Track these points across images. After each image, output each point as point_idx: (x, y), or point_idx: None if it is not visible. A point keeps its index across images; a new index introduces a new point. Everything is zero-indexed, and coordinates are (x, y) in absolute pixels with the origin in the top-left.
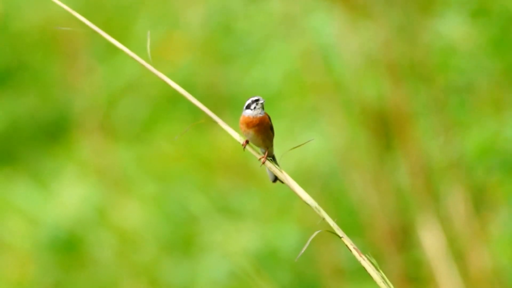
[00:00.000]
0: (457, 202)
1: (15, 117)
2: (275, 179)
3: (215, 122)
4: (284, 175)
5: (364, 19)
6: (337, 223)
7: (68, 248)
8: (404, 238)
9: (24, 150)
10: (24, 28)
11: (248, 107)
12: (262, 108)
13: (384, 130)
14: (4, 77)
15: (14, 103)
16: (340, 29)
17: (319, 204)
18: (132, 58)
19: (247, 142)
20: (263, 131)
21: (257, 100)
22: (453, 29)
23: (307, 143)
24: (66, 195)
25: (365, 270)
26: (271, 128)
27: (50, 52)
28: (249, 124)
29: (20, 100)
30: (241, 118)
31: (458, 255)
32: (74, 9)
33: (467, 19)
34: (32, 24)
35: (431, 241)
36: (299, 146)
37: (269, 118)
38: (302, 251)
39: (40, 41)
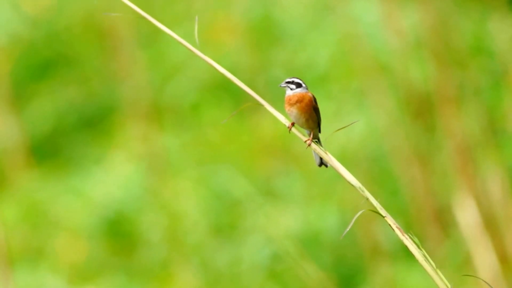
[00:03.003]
0: (495, 182)
1: (60, 108)
2: (321, 163)
3: (261, 105)
4: (329, 157)
5: (408, 4)
6: (380, 203)
7: (114, 230)
8: (446, 217)
9: (70, 140)
10: (68, 22)
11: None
12: (290, 85)
13: (427, 112)
14: (48, 70)
15: (59, 95)
16: (385, 13)
17: (364, 184)
18: (179, 43)
19: (292, 124)
20: (306, 109)
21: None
22: None
23: (352, 124)
24: (110, 179)
25: (407, 249)
26: (316, 110)
27: (94, 43)
28: (290, 101)
29: (64, 91)
30: (285, 99)
31: (495, 234)
32: None
33: None
34: (76, 16)
35: (468, 220)
36: (344, 127)
37: (315, 99)
38: (347, 230)
39: (84, 33)
